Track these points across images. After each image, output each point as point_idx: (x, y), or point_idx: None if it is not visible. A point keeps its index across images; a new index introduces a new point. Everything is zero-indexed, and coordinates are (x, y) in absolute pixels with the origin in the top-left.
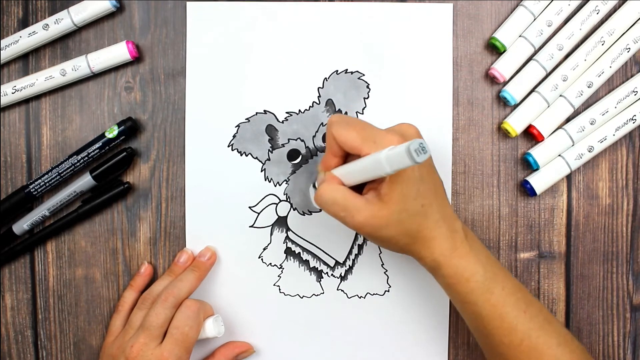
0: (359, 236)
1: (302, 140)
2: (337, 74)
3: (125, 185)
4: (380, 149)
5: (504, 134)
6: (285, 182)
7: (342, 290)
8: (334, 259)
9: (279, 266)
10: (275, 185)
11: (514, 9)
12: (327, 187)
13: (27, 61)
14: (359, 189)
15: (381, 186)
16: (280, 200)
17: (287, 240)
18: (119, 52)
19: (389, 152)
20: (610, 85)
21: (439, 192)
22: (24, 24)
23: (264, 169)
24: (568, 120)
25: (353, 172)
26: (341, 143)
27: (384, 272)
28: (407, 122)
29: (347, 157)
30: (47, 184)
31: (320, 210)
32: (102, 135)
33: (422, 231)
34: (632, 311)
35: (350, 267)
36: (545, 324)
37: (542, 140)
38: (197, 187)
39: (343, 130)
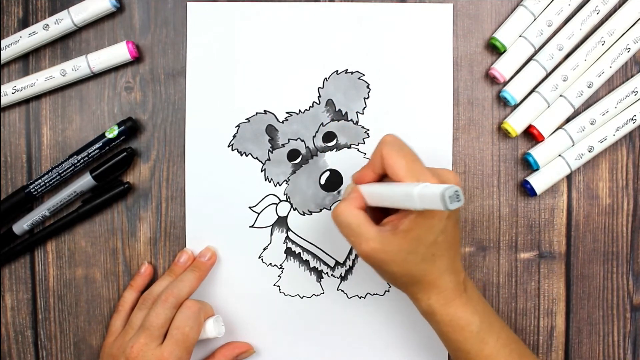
0: None
1: (302, 140)
2: (337, 74)
3: (125, 185)
4: None
5: (504, 134)
6: (285, 182)
7: (342, 291)
8: (334, 259)
9: (279, 266)
10: (275, 186)
11: (514, 9)
12: (345, 208)
13: (27, 61)
14: (379, 216)
15: (402, 222)
16: (281, 200)
17: (287, 240)
18: (119, 52)
19: (424, 189)
20: (610, 85)
21: (455, 245)
22: (24, 24)
23: (264, 169)
24: (568, 120)
25: (381, 195)
26: (387, 166)
27: None
28: (451, 169)
29: (384, 176)
30: (47, 184)
31: (321, 210)
32: (102, 135)
33: (426, 277)
34: (632, 311)
35: (351, 267)
36: None
37: (542, 140)
38: (197, 187)
39: (394, 155)
